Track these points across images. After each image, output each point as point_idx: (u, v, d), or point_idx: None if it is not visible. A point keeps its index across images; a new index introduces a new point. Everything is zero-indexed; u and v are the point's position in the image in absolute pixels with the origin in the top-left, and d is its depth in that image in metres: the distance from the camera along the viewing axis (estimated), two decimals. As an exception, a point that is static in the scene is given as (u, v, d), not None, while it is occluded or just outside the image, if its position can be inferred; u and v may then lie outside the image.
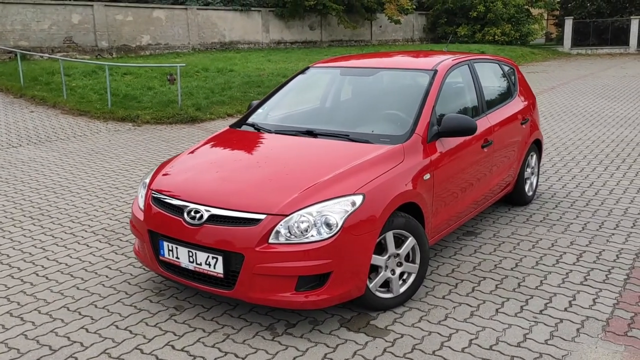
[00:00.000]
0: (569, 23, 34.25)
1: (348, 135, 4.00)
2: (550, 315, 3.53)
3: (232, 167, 3.83)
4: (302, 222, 3.21)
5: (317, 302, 3.25)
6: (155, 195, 3.68)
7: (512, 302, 3.71)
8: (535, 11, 34.94)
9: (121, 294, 3.88)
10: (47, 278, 4.14)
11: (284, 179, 3.53)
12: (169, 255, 3.49)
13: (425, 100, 4.12)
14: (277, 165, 3.73)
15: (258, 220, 3.22)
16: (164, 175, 3.88)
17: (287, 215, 3.21)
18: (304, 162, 3.78)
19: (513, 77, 5.65)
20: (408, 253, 3.66)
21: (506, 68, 5.64)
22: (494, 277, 4.08)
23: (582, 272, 4.14)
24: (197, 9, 23.15)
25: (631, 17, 32.93)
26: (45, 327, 3.45)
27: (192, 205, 3.43)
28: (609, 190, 6.17)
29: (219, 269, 3.28)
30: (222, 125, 10.79)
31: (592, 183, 6.44)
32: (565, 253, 4.49)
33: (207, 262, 3.31)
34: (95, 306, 3.71)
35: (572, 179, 6.65)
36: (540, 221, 5.23)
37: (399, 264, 3.61)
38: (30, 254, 4.60)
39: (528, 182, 5.66)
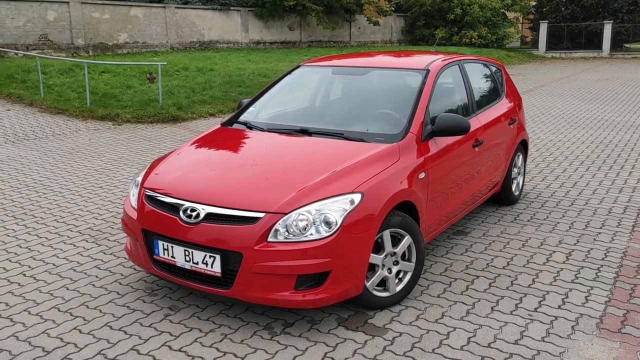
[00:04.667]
0: (543, 27, 34.81)
1: (342, 134, 3.99)
2: (544, 313, 3.57)
3: (227, 165, 3.78)
4: (301, 220, 3.19)
5: (316, 301, 3.23)
6: (149, 194, 3.62)
7: (506, 300, 3.74)
8: (510, 15, 35.42)
9: (113, 294, 3.81)
10: (34, 278, 4.04)
11: (281, 177, 3.50)
12: (164, 254, 3.43)
13: (419, 99, 4.14)
14: (273, 163, 3.70)
15: (257, 219, 3.19)
16: (157, 173, 3.81)
17: (286, 214, 3.18)
18: (300, 160, 3.76)
19: (500, 78, 5.71)
20: (404, 252, 3.66)
21: (493, 69, 5.69)
22: (486, 276, 4.11)
23: (573, 271, 4.19)
24: (176, 7, 22.90)
25: (604, 21, 33.63)
26: (36, 328, 3.36)
27: (187, 204, 3.37)
28: (592, 190, 6.27)
29: (216, 268, 3.24)
30: (204, 125, 10.70)
31: (575, 183, 6.54)
32: (554, 252, 4.55)
33: (204, 261, 3.27)
34: (87, 307, 3.63)
35: (556, 179, 6.74)
36: (528, 220, 5.29)
37: (396, 263, 3.61)
38: (15, 254, 4.48)
39: (515, 181, 5.72)
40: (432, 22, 32.88)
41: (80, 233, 4.95)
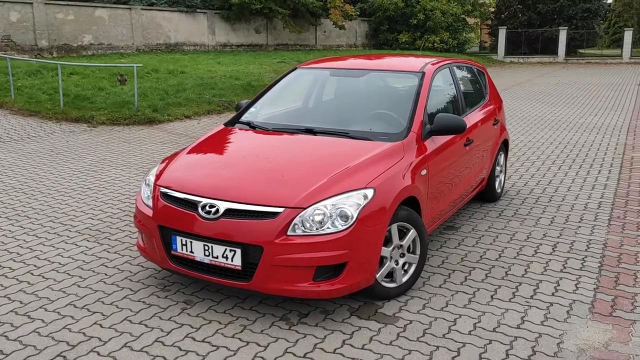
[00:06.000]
0: (502, 32, 35.86)
1: (348, 133, 4.16)
2: (540, 300, 3.81)
3: (239, 162, 3.91)
4: (317, 214, 3.34)
5: (331, 291, 3.38)
6: (164, 191, 3.71)
7: (504, 289, 3.97)
8: (471, 20, 36.34)
9: (126, 290, 3.88)
10: (43, 277, 4.07)
11: (295, 174, 3.65)
12: (182, 249, 3.53)
13: (418, 99, 4.35)
14: (286, 161, 3.85)
15: (276, 214, 3.32)
16: (170, 171, 3.91)
17: (304, 209, 3.33)
18: (311, 158, 3.91)
19: (484, 81, 5.99)
20: (409, 244, 3.85)
21: (477, 72, 5.96)
22: (482, 267, 4.34)
23: (560, 261, 4.47)
24: (141, 9, 22.68)
25: (559, 28, 34.88)
26: (56, 324, 3.41)
27: (206, 200, 3.48)
28: (567, 187, 6.62)
29: (236, 262, 3.36)
30: (181, 127, 10.72)
31: (550, 181, 6.89)
32: (541, 244, 4.82)
33: (224, 255, 3.38)
34: (103, 303, 3.69)
35: (532, 177, 7.08)
36: (512, 216, 5.57)
37: (402, 255, 3.80)
38: (18, 253, 4.49)
39: (498, 179, 6.00)
40: (395, 26, 33.45)
41: (80, 233, 4.97)
